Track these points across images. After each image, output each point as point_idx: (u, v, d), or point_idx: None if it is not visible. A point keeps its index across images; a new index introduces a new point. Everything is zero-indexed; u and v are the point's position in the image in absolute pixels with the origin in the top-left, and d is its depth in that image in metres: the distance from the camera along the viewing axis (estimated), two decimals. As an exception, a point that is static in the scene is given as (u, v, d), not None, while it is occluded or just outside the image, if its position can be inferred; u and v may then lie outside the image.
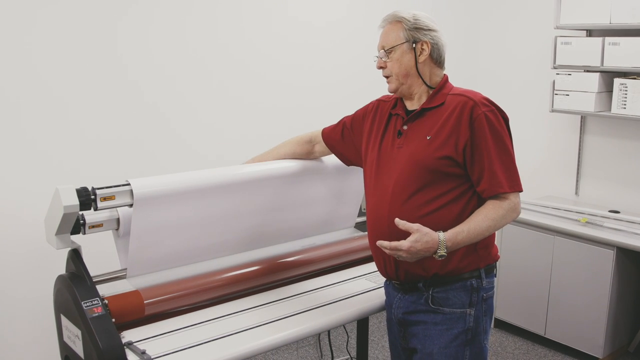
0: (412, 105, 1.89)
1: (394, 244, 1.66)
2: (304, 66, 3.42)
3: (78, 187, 1.73)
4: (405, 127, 1.86)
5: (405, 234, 1.67)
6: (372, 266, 2.31)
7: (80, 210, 1.72)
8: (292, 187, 2.16)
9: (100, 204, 1.75)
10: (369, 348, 2.94)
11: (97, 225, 1.83)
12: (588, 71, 3.37)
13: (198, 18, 2.97)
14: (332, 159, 2.22)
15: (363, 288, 2.12)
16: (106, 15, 2.68)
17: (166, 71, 2.90)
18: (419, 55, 1.83)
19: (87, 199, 1.72)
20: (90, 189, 1.74)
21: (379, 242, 1.69)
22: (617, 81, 3.25)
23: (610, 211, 3.42)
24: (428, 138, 1.78)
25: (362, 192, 2.37)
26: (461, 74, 3.79)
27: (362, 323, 2.67)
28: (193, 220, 1.97)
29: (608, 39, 3.23)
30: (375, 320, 3.74)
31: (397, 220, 1.70)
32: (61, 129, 2.62)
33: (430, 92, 1.85)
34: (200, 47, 3.00)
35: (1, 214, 2.50)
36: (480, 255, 1.83)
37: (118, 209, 1.85)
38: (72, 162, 2.64)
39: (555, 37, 3.46)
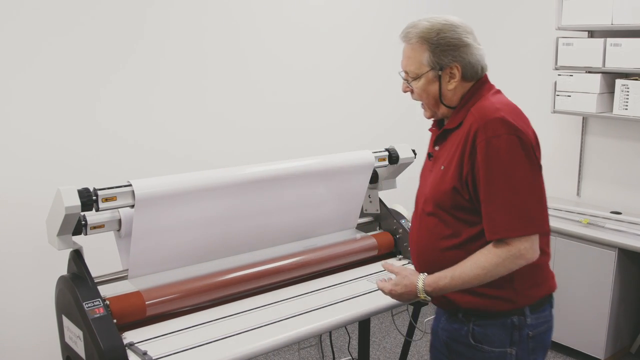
0: (447, 120, 1.69)
1: (380, 285, 1.70)
2: (315, 69, 3.43)
3: (80, 187, 1.73)
4: (436, 148, 1.69)
5: (430, 252, 1.65)
6: (373, 267, 2.32)
7: (82, 211, 1.72)
8: (294, 188, 2.16)
9: (101, 205, 1.75)
10: (370, 349, 2.94)
11: (98, 226, 1.83)
12: (590, 72, 3.37)
13: (211, 20, 2.98)
14: (332, 159, 2.22)
15: (364, 289, 2.12)
16: (118, 14, 2.69)
17: (171, 71, 2.91)
18: (448, 82, 1.61)
19: (88, 199, 1.72)
20: (91, 189, 1.74)
21: (377, 283, 1.73)
22: (619, 82, 3.25)
23: (612, 212, 3.41)
24: (442, 168, 1.62)
25: (363, 193, 2.37)
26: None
27: (364, 324, 2.67)
28: (194, 221, 1.97)
29: (610, 40, 3.23)
30: (377, 322, 3.74)
31: (382, 263, 1.75)
32: (62, 130, 2.62)
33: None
34: (206, 47, 3.00)
35: (3, 215, 2.50)
36: (519, 292, 1.61)
37: (120, 209, 1.85)
38: (73, 163, 2.65)
39: (557, 38, 3.46)
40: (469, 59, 1.60)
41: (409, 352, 2.65)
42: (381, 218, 2.48)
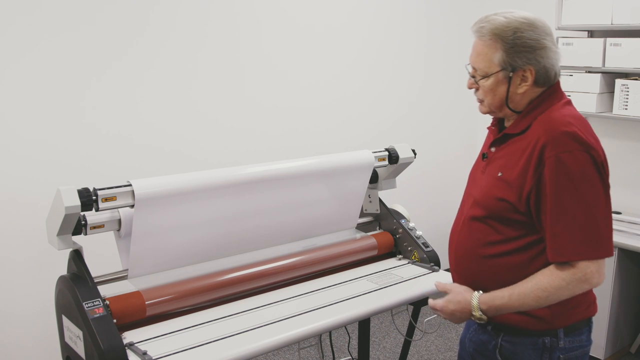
0: (507, 122, 1.61)
1: (431, 303, 1.61)
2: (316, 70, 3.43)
3: (79, 187, 1.73)
4: (492, 150, 1.60)
5: (470, 259, 1.59)
6: (373, 267, 2.32)
7: (82, 211, 1.71)
8: (294, 188, 2.16)
9: (101, 205, 1.75)
10: (370, 349, 2.94)
11: (98, 226, 1.83)
12: (590, 72, 3.37)
13: (215, 22, 2.98)
14: (332, 159, 2.22)
15: (364, 289, 2.12)
16: (117, 14, 2.69)
17: (172, 72, 2.91)
18: (519, 85, 1.51)
19: (88, 199, 1.72)
20: (91, 189, 1.74)
21: (429, 301, 1.65)
22: (619, 82, 3.25)
23: (612, 212, 3.41)
24: (499, 175, 1.52)
25: (363, 193, 2.37)
26: (461, 77, 3.79)
27: (364, 324, 2.66)
28: (194, 221, 1.97)
29: (609, 40, 3.23)
30: (377, 322, 3.74)
31: (436, 283, 1.66)
32: (62, 130, 2.62)
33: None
34: (206, 48, 3.00)
35: (2, 215, 2.50)
36: (555, 312, 1.52)
37: (119, 209, 1.85)
38: (73, 163, 2.65)
39: (557, 38, 3.46)
40: (544, 63, 1.50)
41: (409, 352, 2.65)
42: (381, 218, 2.48)
